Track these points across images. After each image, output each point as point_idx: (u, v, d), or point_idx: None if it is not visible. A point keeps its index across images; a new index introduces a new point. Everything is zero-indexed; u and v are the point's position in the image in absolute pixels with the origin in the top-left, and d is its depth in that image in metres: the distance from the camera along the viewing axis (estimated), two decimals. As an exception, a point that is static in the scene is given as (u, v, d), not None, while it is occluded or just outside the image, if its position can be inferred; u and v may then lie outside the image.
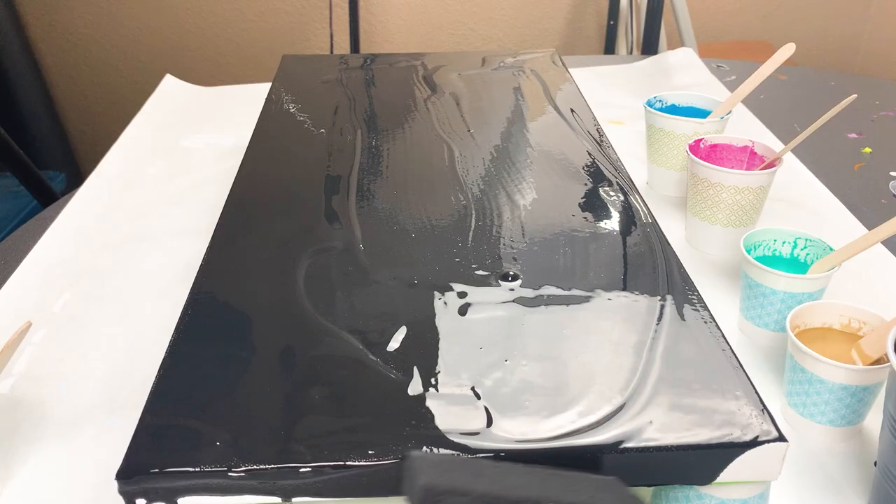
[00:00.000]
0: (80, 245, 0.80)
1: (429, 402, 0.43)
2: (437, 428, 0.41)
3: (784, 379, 0.58)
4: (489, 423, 0.41)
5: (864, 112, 1.12)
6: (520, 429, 0.41)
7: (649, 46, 1.78)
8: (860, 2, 2.18)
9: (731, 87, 1.13)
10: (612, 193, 0.65)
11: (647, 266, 0.55)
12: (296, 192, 0.66)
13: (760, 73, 0.81)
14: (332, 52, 2.05)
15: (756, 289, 0.62)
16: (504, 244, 0.58)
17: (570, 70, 0.98)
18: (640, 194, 0.65)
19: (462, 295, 0.52)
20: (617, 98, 1.14)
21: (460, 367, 0.45)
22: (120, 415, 0.57)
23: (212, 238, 0.59)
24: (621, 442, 0.40)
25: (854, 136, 1.05)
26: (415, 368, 0.45)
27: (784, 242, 0.66)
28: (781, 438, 0.40)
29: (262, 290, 0.53)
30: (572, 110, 0.83)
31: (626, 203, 0.63)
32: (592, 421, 0.41)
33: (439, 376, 0.44)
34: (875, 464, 0.50)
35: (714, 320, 0.49)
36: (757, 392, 0.43)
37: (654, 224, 0.60)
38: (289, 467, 0.39)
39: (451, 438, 0.40)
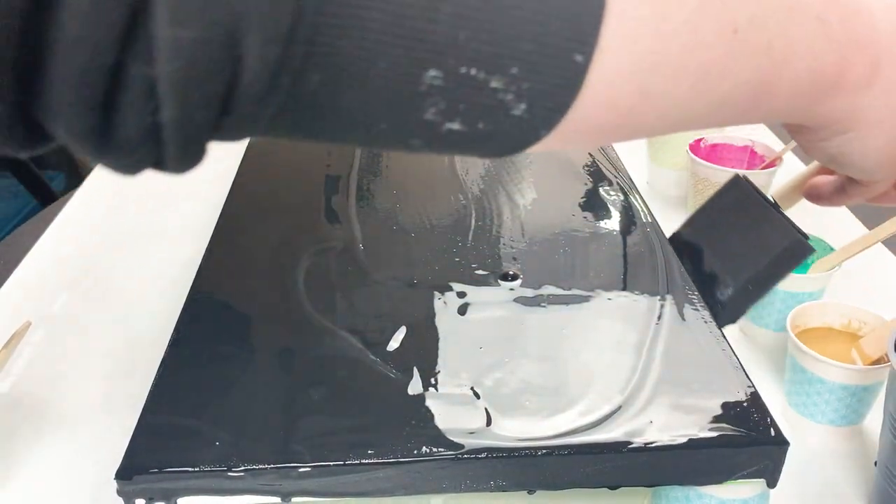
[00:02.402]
0: (80, 245, 0.80)
1: (428, 402, 0.43)
2: (436, 428, 0.41)
3: (784, 379, 0.58)
4: (488, 422, 0.41)
5: (864, 112, 1.11)
6: (519, 428, 0.41)
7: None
8: (860, 2, 2.18)
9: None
10: (612, 193, 0.65)
11: (647, 266, 0.55)
12: (295, 191, 0.66)
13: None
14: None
15: (756, 289, 0.62)
16: (504, 244, 0.58)
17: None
18: (640, 194, 0.65)
19: (462, 295, 0.52)
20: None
21: (460, 367, 0.45)
22: (119, 415, 0.57)
23: (212, 238, 0.59)
24: (621, 442, 0.40)
25: (854, 135, 1.04)
26: (414, 368, 0.45)
27: (784, 242, 0.65)
28: (782, 438, 0.40)
29: (261, 290, 0.53)
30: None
31: (626, 203, 0.63)
32: (592, 421, 0.41)
33: (439, 376, 0.44)
34: (875, 464, 0.50)
35: (714, 320, 0.49)
36: (757, 392, 0.43)
37: (654, 224, 0.60)
38: (288, 467, 0.39)
39: (451, 438, 0.40)
